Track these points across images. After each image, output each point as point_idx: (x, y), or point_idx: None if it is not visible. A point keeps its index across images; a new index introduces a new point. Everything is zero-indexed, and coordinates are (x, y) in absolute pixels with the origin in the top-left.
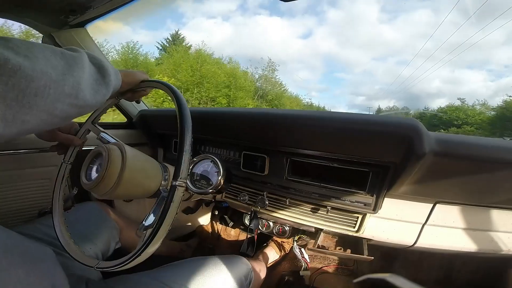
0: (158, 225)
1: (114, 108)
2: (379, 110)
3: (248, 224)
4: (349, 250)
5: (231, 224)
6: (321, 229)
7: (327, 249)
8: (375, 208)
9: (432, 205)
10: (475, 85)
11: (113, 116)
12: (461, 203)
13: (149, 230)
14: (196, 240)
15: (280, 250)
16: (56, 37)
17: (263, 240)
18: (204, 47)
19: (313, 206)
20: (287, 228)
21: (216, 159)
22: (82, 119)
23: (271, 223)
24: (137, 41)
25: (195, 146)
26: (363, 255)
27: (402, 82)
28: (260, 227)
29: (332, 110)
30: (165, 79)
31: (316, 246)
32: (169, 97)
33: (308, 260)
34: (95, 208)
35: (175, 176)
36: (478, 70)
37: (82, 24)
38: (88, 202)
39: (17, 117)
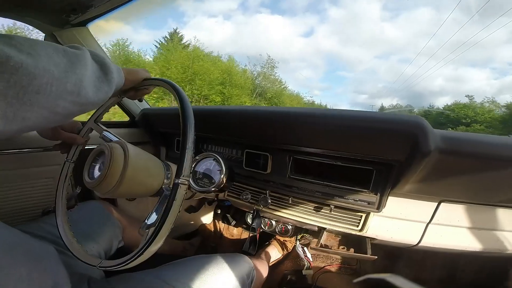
0: (161, 224)
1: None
2: (382, 108)
3: (250, 222)
4: (352, 249)
5: (233, 222)
6: (324, 228)
7: (330, 248)
8: (379, 207)
9: (436, 203)
10: (478, 83)
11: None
12: (466, 201)
13: (152, 229)
14: (198, 238)
15: (283, 249)
16: (58, 36)
17: (266, 238)
18: (197, 42)
19: (316, 205)
20: (289, 227)
21: (218, 157)
22: (85, 118)
23: (273, 222)
24: (126, 38)
25: (197, 145)
26: (367, 254)
27: (405, 80)
28: (262, 226)
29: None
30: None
31: (319, 245)
32: (166, 96)
33: (311, 259)
34: (98, 206)
35: (178, 174)
36: (481, 68)
37: (84, 23)
38: (91, 201)
39: (18, 115)
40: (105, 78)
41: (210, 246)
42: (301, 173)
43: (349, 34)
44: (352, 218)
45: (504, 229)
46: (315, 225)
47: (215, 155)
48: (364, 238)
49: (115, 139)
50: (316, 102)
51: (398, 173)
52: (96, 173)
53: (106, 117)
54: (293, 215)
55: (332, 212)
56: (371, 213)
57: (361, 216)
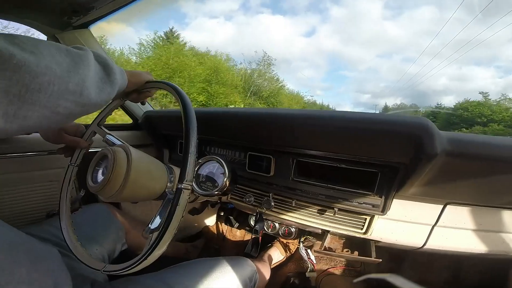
0: (164, 229)
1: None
2: (386, 108)
3: (253, 225)
4: (356, 252)
5: (236, 225)
6: (328, 231)
7: (334, 251)
8: (384, 210)
9: (442, 206)
10: (483, 81)
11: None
12: (472, 204)
13: (155, 233)
14: (202, 241)
15: (285, 251)
16: (60, 38)
17: (268, 240)
18: (177, 35)
19: (319, 208)
20: (293, 230)
21: (221, 160)
22: (88, 121)
23: (277, 225)
24: (103, 35)
25: (200, 147)
26: (371, 257)
27: (409, 79)
28: (266, 228)
29: (336, 109)
30: None
31: (323, 248)
32: (166, 97)
33: (314, 262)
34: (102, 209)
35: (181, 179)
36: (485, 66)
37: (86, 25)
38: (95, 203)
39: (19, 113)
40: (107, 79)
41: (213, 248)
42: (304, 176)
43: (350, 33)
44: (356, 221)
45: (510, 230)
46: (318, 228)
47: (218, 158)
48: (368, 241)
49: (118, 142)
50: (317, 102)
51: (403, 176)
52: (100, 177)
53: (109, 118)
54: (297, 217)
55: (336, 215)
56: (376, 216)
57: (366, 219)
